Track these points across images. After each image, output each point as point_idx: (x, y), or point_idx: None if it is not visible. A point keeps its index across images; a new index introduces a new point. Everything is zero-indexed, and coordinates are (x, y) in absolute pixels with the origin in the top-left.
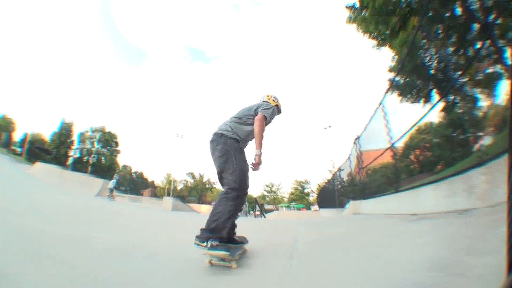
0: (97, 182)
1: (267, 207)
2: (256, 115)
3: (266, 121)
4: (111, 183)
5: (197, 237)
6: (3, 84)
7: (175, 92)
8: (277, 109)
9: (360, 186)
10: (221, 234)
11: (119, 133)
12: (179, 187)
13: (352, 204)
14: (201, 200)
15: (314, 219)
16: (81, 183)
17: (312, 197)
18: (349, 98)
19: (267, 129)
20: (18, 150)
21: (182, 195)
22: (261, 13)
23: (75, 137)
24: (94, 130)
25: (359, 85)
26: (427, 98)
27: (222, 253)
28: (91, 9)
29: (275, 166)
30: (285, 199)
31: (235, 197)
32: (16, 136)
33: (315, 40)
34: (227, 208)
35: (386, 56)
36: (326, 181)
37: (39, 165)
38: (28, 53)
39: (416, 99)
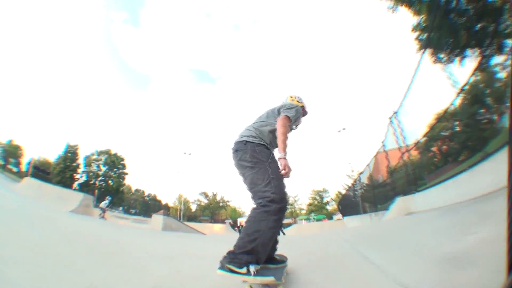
0: (76, 197)
1: (284, 221)
2: (279, 116)
3: (291, 122)
4: (103, 203)
5: (229, 262)
6: (11, 110)
7: (183, 113)
8: (303, 110)
9: (407, 174)
10: (261, 257)
11: (126, 155)
12: (193, 207)
13: (401, 202)
14: (213, 219)
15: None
16: (59, 198)
17: (331, 206)
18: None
19: (294, 133)
20: (15, 169)
21: (194, 215)
22: (259, 30)
23: (80, 161)
24: (99, 153)
25: (369, 84)
26: (462, 55)
27: (268, 279)
28: (93, 37)
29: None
30: (303, 211)
31: (277, 211)
32: (24, 161)
33: (315, 39)
34: (268, 224)
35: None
36: (347, 187)
37: (27, 180)
38: (35, 80)
39: (451, 57)
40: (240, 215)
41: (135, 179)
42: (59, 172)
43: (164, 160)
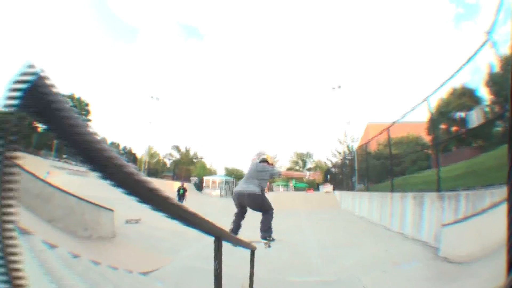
0: None
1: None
2: (271, 177)
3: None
4: None
5: (265, 237)
6: None
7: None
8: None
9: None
10: (271, 232)
11: (92, 101)
12: (168, 162)
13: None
14: (176, 176)
15: None
16: None
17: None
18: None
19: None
20: None
21: (155, 170)
22: None
23: None
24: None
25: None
26: None
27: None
28: None
29: (269, 134)
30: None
31: (272, 212)
32: None
33: None
34: (271, 218)
35: None
36: (338, 153)
37: None
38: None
39: None
40: (211, 173)
41: (110, 132)
42: (18, 120)
43: (135, 109)
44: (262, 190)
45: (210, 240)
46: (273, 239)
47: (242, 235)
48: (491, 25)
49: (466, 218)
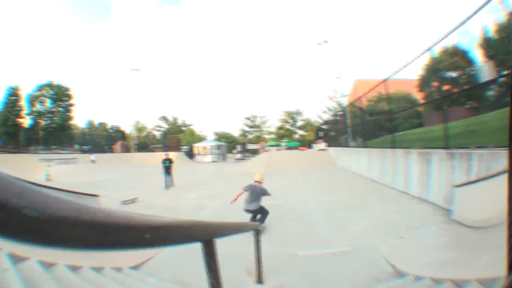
0: None
1: (250, 147)
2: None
3: None
4: None
5: (260, 224)
6: None
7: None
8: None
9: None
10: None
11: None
12: (157, 134)
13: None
14: (167, 147)
15: None
16: None
17: (304, 132)
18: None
19: None
20: None
21: (145, 143)
22: None
23: (24, 102)
24: (41, 88)
25: None
26: None
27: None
28: None
29: (257, 94)
30: (273, 136)
31: (268, 213)
32: None
33: None
34: (266, 216)
35: None
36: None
37: None
38: None
39: None
40: (200, 140)
41: (95, 113)
42: (3, 122)
43: (117, 85)
44: (260, 204)
45: (210, 212)
46: (263, 227)
47: None
48: None
49: (481, 180)
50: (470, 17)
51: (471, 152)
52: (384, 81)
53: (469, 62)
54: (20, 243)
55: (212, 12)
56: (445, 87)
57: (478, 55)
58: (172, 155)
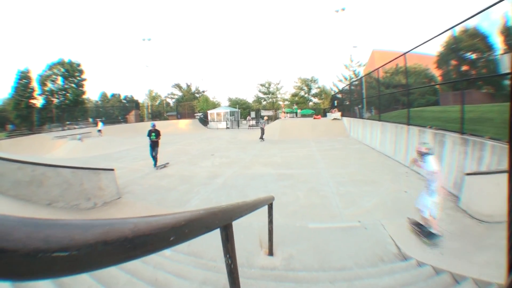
0: None
1: (264, 113)
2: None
3: None
4: None
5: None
6: None
7: None
8: None
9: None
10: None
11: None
12: (171, 102)
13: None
14: (180, 114)
15: None
16: None
17: (319, 100)
18: None
19: None
20: None
21: (158, 112)
22: None
23: (35, 84)
24: (51, 67)
25: None
26: None
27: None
28: None
29: (272, 60)
30: (287, 102)
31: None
32: None
33: None
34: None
35: None
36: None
37: None
38: None
39: None
40: (214, 106)
41: (108, 84)
42: (15, 106)
43: (129, 55)
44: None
45: (226, 169)
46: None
47: None
48: None
49: (491, 173)
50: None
51: (484, 141)
52: (403, 54)
53: (489, 46)
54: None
55: None
56: (464, 68)
57: (497, 42)
58: (185, 122)
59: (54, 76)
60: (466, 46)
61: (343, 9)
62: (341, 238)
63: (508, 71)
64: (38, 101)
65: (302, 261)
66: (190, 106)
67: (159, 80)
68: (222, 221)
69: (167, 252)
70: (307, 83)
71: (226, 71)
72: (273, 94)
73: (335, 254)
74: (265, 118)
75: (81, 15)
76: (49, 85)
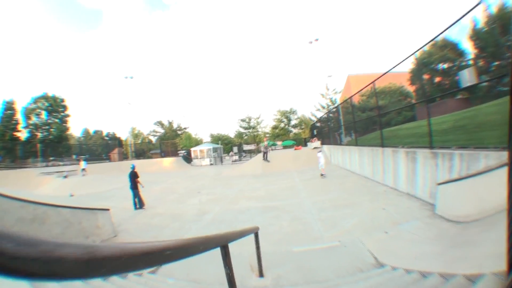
0: None
1: (246, 148)
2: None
3: None
4: None
5: (267, 160)
6: None
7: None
8: None
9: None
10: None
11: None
12: (153, 139)
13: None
14: (163, 152)
15: None
16: None
17: (299, 130)
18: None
19: None
20: None
21: (142, 150)
22: None
23: (20, 116)
24: (36, 100)
25: None
26: None
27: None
28: None
29: (251, 95)
30: (268, 135)
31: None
32: None
33: None
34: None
35: None
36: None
37: None
38: None
39: None
40: (197, 143)
41: (91, 121)
42: (0, 137)
43: (111, 93)
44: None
45: (213, 205)
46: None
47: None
48: None
49: (461, 179)
50: (460, 18)
51: (453, 152)
52: (372, 82)
53: (460, 53)
54: None
55: (203, 14)
56: (437, 79)
57: (468, 47)
58: (169, 160)
59: (38, 110)
60: (437, 58)
61: (316, 40)
62: (323, 257)
63: (468, 84)
64: (23, 134)
65: (289, 279)
66: (173, 143)
67: (141, 117)
68: (221, 242)
69: (169, 280)
70: (287, 115)
71: (207, 107)
72: (254, 128)
73: (318, 270)
74: (265, 143)
75: (65, 50)
76: (34, 119)
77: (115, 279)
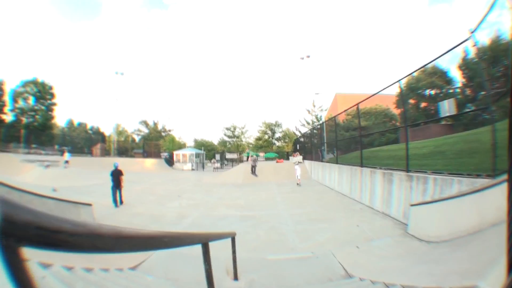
0: None
1: (228, 156)
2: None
3: None
4: None
5: (255, 174)
6: None
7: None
8: None
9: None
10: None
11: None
12: (137, 138)
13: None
14: (146, 153)
15: None
16: None
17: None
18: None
19: None
20: None
21: (125, 148)
22: None
23: (7, 98)
24: (25, 84)
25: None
26: None
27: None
28: None
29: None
30: (251, 145)
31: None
32: None
33: None
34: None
35: None
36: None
37: None
38: None
39: None
40: (180, 147)
41: (76, 112)
42: None
43: (100, 86)
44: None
45: (193, 210)
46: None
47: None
48: (477, 24)
49: (434, 201)
50: (450, 49)
51: (427, 176)
52: (356, 104)
53: (447, 81)
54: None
55: (199, 19)
56: (422, 104)
57: (457, 76)
58: (151, 161)
59: (26, 94)
60: (425, 84)
61: (308, 56)
62: (296, 266)
63: (447, 114)
64: (8, 117)
65: (263, 284)
66: (156, 145)
67: (127, 114)
68: (202, 240)
69: (148, 277)
70: (271, 128)
71: (194, 111)
72: (238, 137)
73: (290, 278)
74: (254, 156)
75: (61, 36)
76: (21, 103)
77: (98, 272)
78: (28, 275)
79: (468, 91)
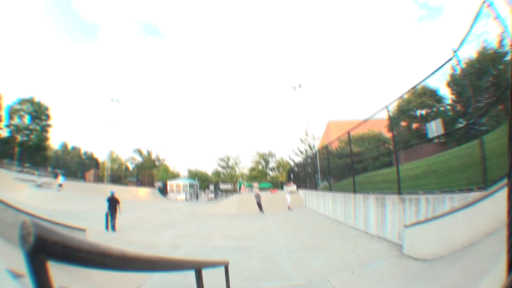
0: None
1: (222, 186)
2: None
3: None
4: None
5: (262, 211)
6: None
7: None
8: None
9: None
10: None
11: (52, 104)
12: (130, 166)
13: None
14: (140, 181)
15: None
16: None
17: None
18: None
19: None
20: None
21: (119, 175)
22: None
23: (3, 113)
24: (22, 102)
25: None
26: None
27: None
28: None
29: (231, 134)
30: (245, 176)
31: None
32: None
33: None
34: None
35: None
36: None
37: None
38: None
39: None
40: (174, 176)
41: (71, 136)
42: None
43: (95, 112)
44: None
45: (187, 240)
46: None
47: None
48: (461, 40)
49: (427, 220)
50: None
51: (419, 197)
52: (346, 132)
53: (437, 100)
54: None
55: (194, 49)
56: (414, 125)
57: (446, 92)
58: (145, 190)
59: (22, 112)
60: (415, 105)
61: (300, 86)
62: None
63: (435, 135)
64: (3, 132)
65: None
66: (150, 174)
67: (121, 142)
68: (196, 266)
69: None
70: (265, 158)
71: (188, 141)
72: (232, 168)
73: None
74: (257, 192)
75: (59, 58)
76: (16, 120)
77: None
78: (51, 285)
79: (458, 107)
